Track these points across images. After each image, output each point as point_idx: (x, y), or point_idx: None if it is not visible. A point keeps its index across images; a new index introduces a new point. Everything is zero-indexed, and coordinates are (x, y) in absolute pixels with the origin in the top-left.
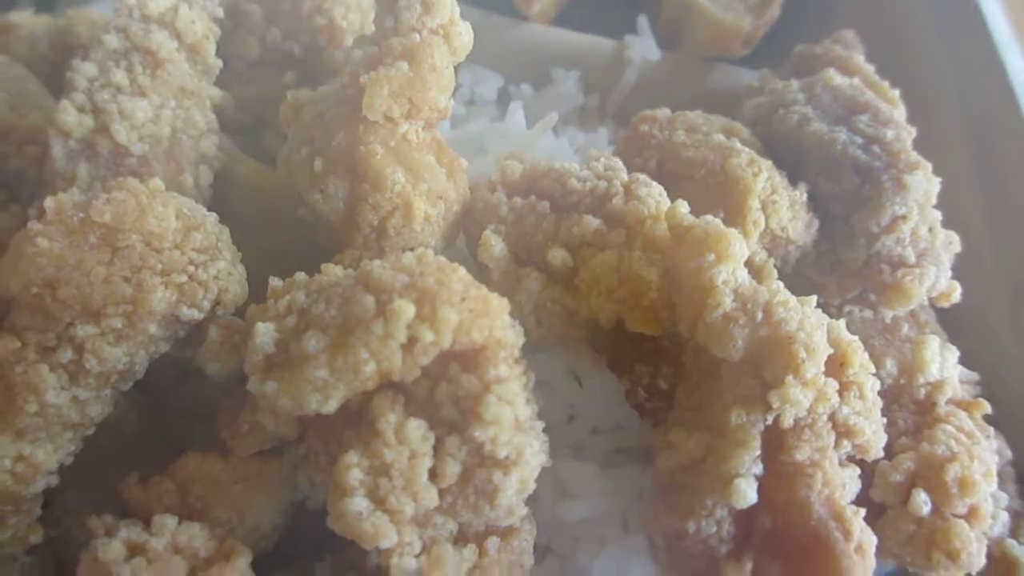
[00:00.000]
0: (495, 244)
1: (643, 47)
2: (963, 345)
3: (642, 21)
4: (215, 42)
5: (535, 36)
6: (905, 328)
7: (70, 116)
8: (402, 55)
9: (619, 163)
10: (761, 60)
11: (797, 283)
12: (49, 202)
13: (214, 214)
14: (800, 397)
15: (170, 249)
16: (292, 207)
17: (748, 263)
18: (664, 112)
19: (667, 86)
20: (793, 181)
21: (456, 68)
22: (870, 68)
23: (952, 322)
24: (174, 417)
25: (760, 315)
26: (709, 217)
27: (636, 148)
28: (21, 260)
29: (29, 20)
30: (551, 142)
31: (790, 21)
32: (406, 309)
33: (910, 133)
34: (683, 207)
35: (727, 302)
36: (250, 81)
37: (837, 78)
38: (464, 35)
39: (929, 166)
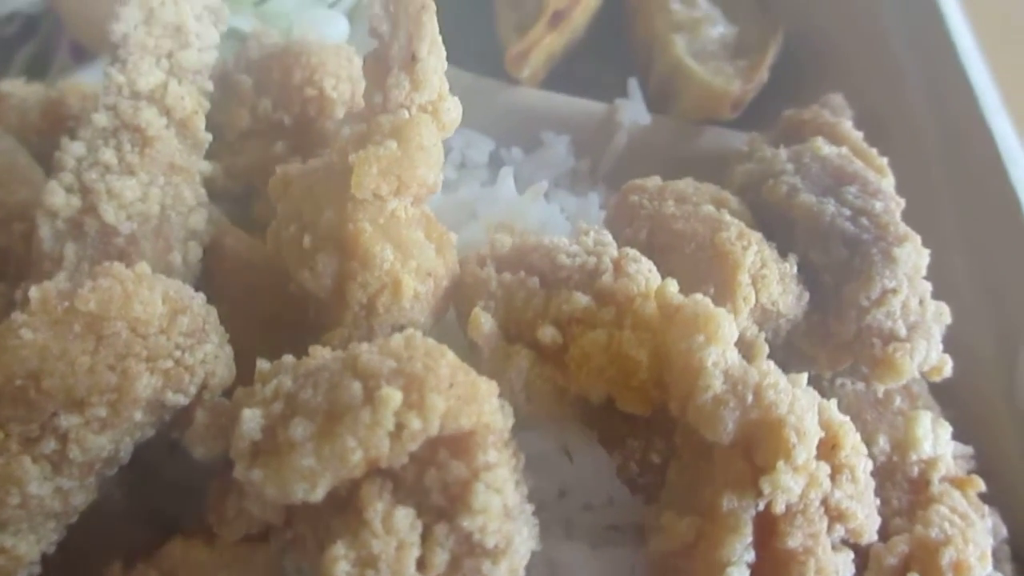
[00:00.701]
0: (485, 322)
1: (633, 111)
2: (957, 415)
3: (632, 84)
4: (204, 116)
5: (526, 99)
6: (897, 401)
7: (58, 197)
8: (390, 133)
9: (608, 237)
10: (751, 121)
11: (788, 354)
12: (34, 292)
13: (201, 294)
14: (792, 483)
15: (156, 334)
16: (282, 281)
17: (739, 339)
18: (654, 181)
19: (657, 149)
20: (783, 252)
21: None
22: (858, 135)
23: (945, 391)
24: (162, 490)
25: (750, 397)
26: (699, 296)
27: (626, 218)
28: (4, 352)
29: (20, 89)
30: (542, 209)
31: (780, 82)
32: (393, 397)
33: (899, 204)
34: (672, 286)
35: (717, 384)
36: (240, 151)
37: (825, 148)
38: (452, 111)
39: (918, 238)
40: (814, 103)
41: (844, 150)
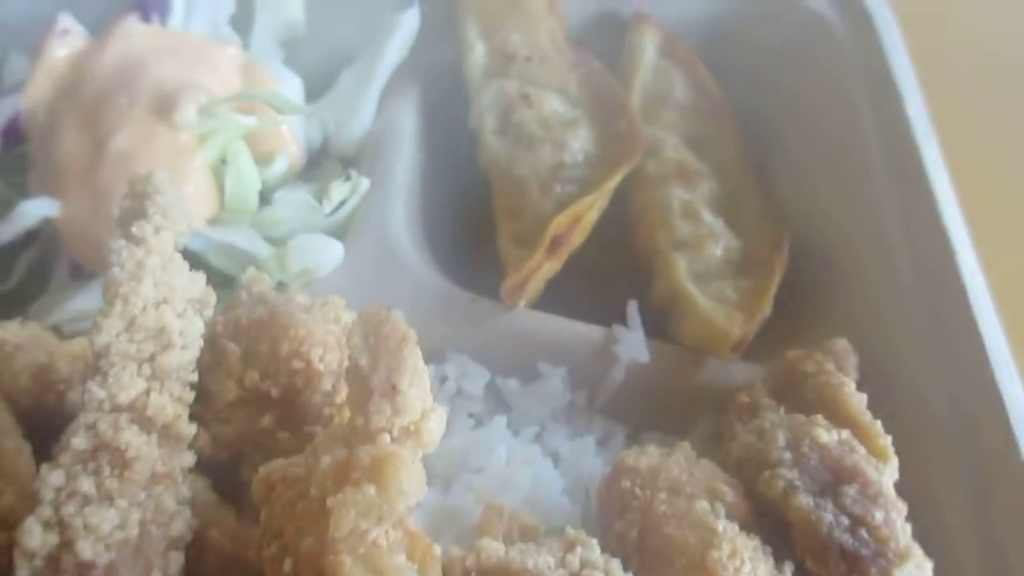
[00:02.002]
0: None
1: (631, 344)
2: None
3: (632, 309)
4: (187, 407)
5: (523, 325)
6: None
7: (35, 539)
8: (369, 473)
9: (596, 552)
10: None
11: None
12: None
13: None
14: None
15: None
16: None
17: None
18: (647, 462)
19: (655, 381)
20: (779, 556)
21: (444, 355)
22: (861, 402)
23: None
24: None
25: None
26: None
27: (617, 508)
28: None
29: (13, 335)
30: (532, 472)
31: (783, 286)
32: None
33: (900, 511)
34: None
35: None
36: (228, 420)
37: (824, 435)
38: (435, 429)
39: (919, 553)
40: (818, 350)
41: (845, 435)
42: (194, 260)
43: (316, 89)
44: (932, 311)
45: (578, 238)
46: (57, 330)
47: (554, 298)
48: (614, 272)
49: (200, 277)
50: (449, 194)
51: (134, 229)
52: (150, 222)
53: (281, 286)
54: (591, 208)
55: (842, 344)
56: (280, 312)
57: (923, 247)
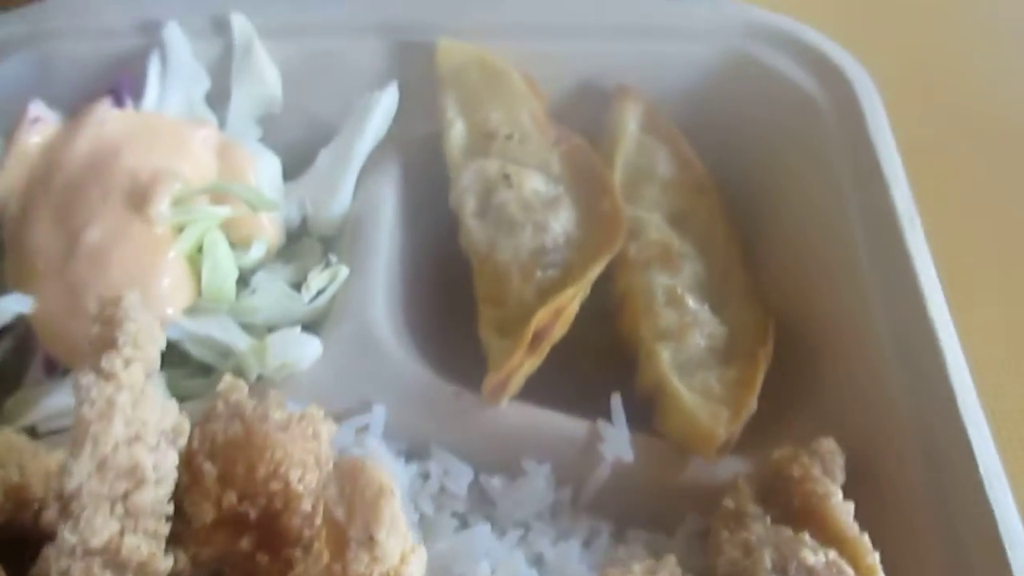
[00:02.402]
0: None
1: (616, 442)
2: None
3: (616, 404)
4: (163, 540)
5: (506, 420)
6: None
7: None
8: None
9: None
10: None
11: None
12: None
13: None
14: None
15: None
16: None
17: None
18: None
19: (641, 478)
20: None
21: (427, 450)
22: (848, 512)
23: None
24: None
25: None
26: None
27: None
28: None
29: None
30: None
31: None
32: None
33: None
34: None
35: None
36: (207, 542)
37: (811, 557)
38: (416, 572)
39: None
40: (805, 449)
41: (832, 555)
42: (172, 349)
43: (295, 165)
44: (918, 406)
45: (560, 331)
46: (32, 431)
47: (539, 377)
48: (597, 352)
49: (173, 406)
50: (431, 276)
51: (103, 363)
52: (120, 354)
53: (261, 379)
54: (573, 300)
55: (828, 445)
56: (256, 433)
57: (909, 341)
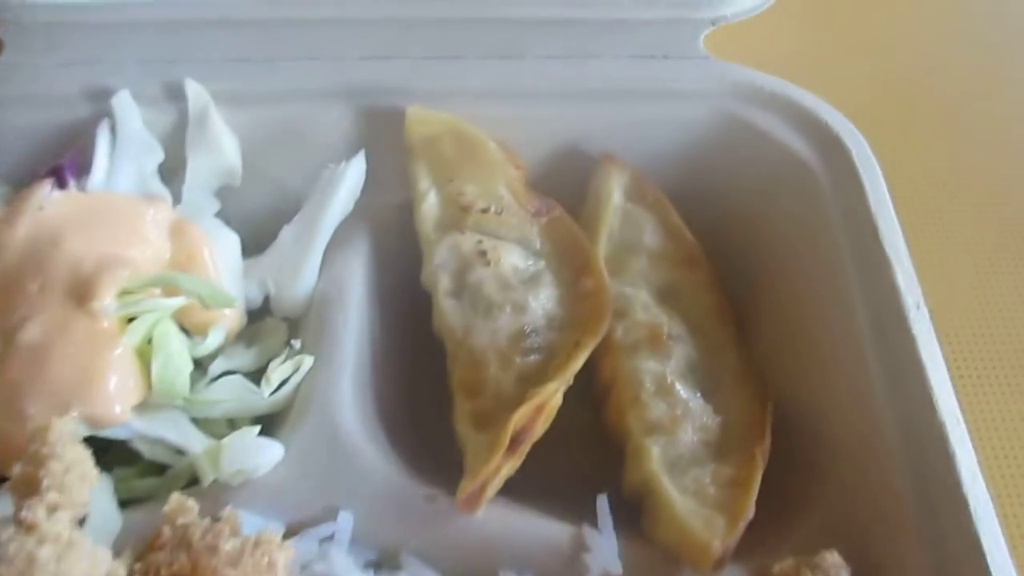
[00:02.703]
0: None
1: (603, 553)
2: None
3: (602, 507)
4: None
5: (484, 527)
6: None
7: None
8: None
9: None
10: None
11: None
12: None
13: None
14: None
15: None
16: None
17: None
18: None
19: None
20: None
21: (398, 560)
22: None
23: None
24: None
25: None
26: None
27: None
28: None
29: None
30: None
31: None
32: None
33: None
34: None
35: None
36: None
37: None
38: None
39: None
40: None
41: None
42: (121, 447)
43: (257, 240)
44: (928, 510)
45: (542, 428)
46: None
47: (519, 469)
48: (581, 438)
49: (104, 555)
50: (404, 362)
51: (24, 513)
52: (43, 500)
53: (217, 482)
54: (555, 395)
55: (833, 559)
56: (204, 569)
57: (918, 440)
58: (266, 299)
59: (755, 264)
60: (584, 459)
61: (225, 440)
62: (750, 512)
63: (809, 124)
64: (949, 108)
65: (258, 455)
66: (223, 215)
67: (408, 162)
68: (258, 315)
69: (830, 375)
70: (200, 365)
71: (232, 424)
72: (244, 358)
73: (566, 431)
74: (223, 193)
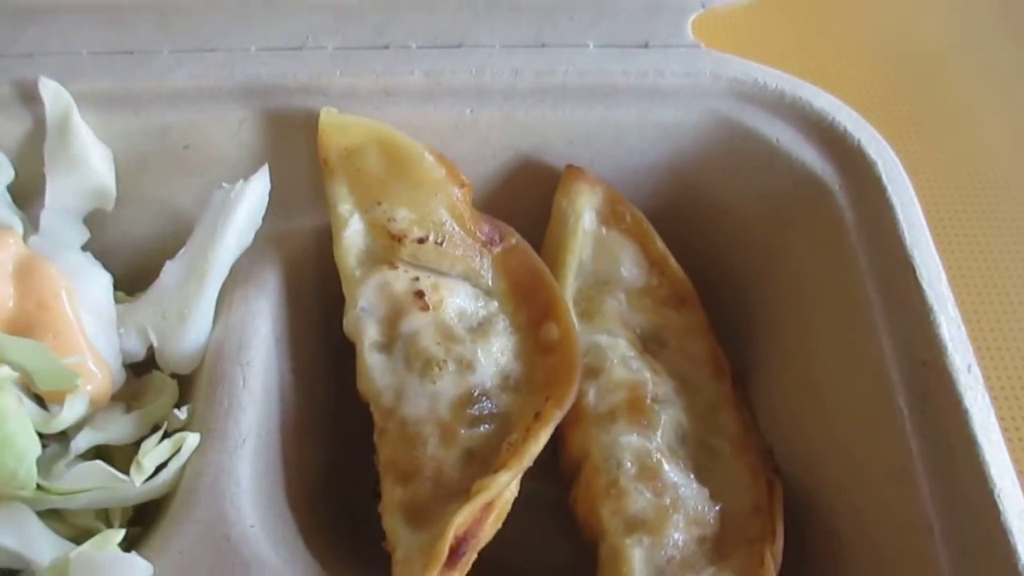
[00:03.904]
0: None
1: None
2: None
3: None
4: None
5: None
6: None
7: None
8: None
9: None
10: None
11: None
12: None
13: None
14: None
15: None
16: None
17: None
18: None
19: None
20: None
21: None
22: None
23: None
24: None
25: None
26: None
27: None
28: None
29: None
30: None
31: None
32: None
33: None
34: None
35: None
36: None
37: None
38: None
39: None
40: None
41: None
42: None
43: (138, 280)
44: None
45: (491, 531)
46: None
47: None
48: (548, 515)
49: None
50: (325, 434)
51: None
52: None
53: None
54: (508, 487)
55: None
56: None
57: (970, 535)
58: (149, 355)
59: (758, 306)
60: (552, 545)
61: (74, 554)
62: None
63: (824, 130)
64: (965, 103)
65: (116, 574)
66: (94, 248)
67: (325, 180)
68: (144, 367)
69: (855, 449)
70: (64, 442)
71: (105, 516)
72: (120, 427)
73: (530, 505)
74: (93, 220)
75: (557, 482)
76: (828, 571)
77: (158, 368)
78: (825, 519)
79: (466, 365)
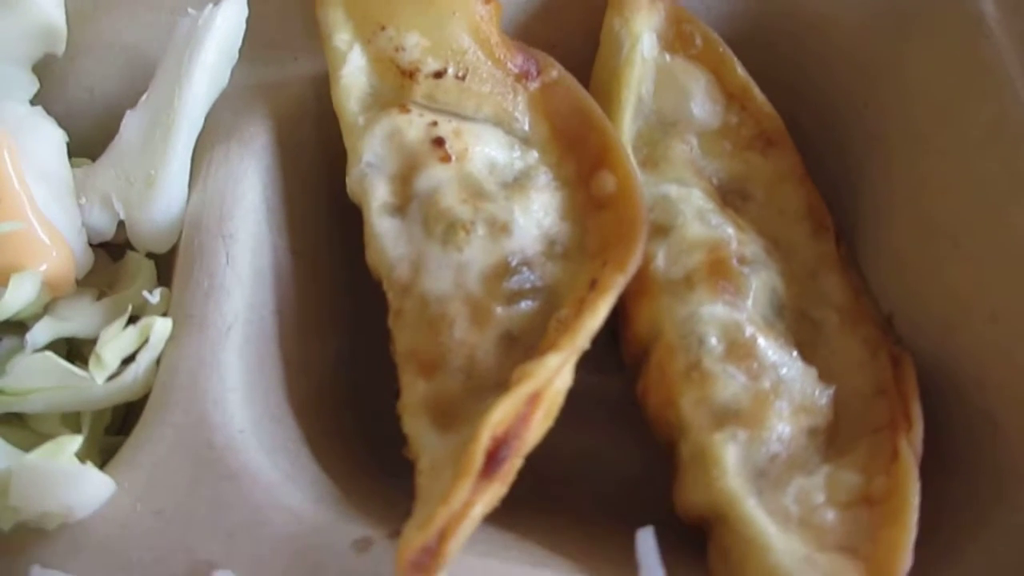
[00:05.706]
0: None
1: None
2: None
3: (645, 547)
4: None
5: None
6: None
7: None
8: None
9: None
10: None
11: None
12: None
13: None
14: None
15: None
16: None
17: None
18: None
19: None
20: None
21: None
22: None
23: None
24: None
25: None
26: None
27: None
28: None
29: None
30: None
31: None
32: None
33: None
34: None
35: None
36: None
37: None
38: None
39: None
40: None
41: None
42: None
43: (99, 140)
44: None
45: (537, 433)
46: None
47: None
48: (609, 415)
49: None
50: (328, 326)
51: None
52: None
53: (21, 528)
54: (559, 374)
55: None
56: None
57: None
58: (120, 228)
59: (862, 147)
60: (617, 451)
61: (16, 466)
62: (906, 560)
63: None
64: None
65: (70, 491)
66: (54, 111)
67: (316, 4)
68: (116, 252)
69: (1008, 312)
70: (20, 332)
71: (77, 424)
72: (86, 317)
73: (588, 403)
74: (43, 68)
75: (620, 371)
76: (983, 463)
77: (134, 249)
78: (972, 398)
79: (500, 228)
